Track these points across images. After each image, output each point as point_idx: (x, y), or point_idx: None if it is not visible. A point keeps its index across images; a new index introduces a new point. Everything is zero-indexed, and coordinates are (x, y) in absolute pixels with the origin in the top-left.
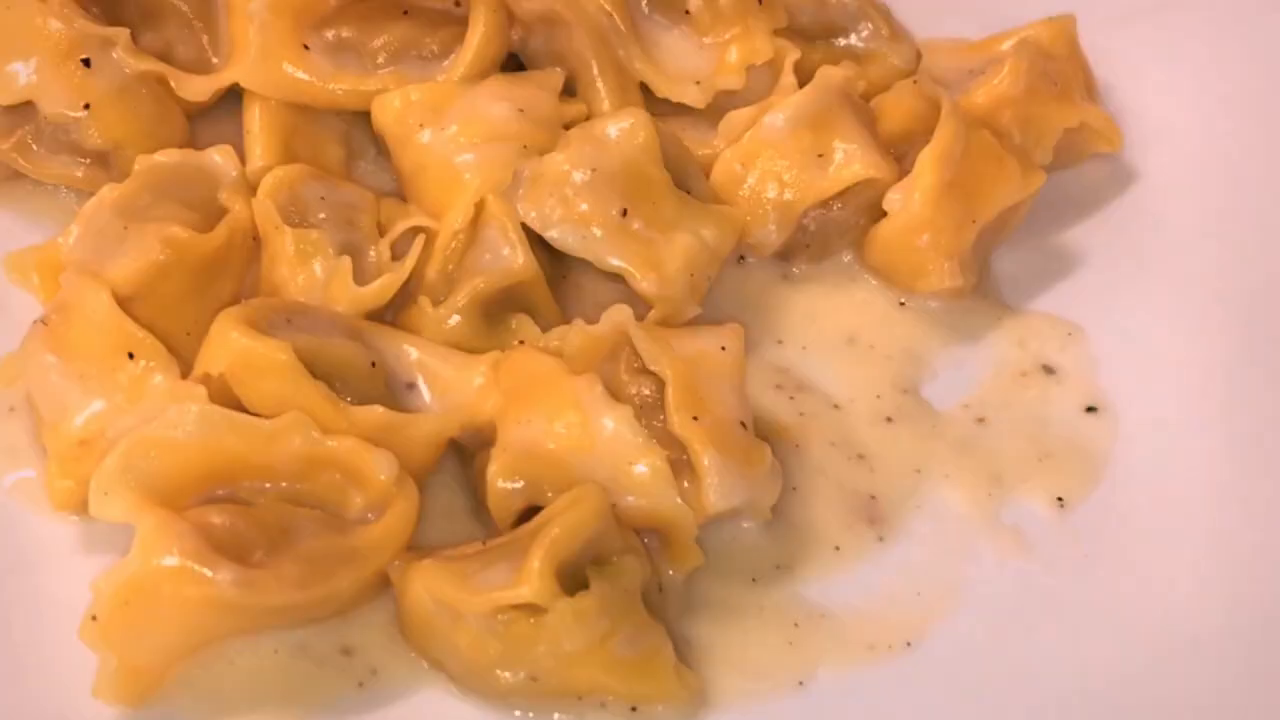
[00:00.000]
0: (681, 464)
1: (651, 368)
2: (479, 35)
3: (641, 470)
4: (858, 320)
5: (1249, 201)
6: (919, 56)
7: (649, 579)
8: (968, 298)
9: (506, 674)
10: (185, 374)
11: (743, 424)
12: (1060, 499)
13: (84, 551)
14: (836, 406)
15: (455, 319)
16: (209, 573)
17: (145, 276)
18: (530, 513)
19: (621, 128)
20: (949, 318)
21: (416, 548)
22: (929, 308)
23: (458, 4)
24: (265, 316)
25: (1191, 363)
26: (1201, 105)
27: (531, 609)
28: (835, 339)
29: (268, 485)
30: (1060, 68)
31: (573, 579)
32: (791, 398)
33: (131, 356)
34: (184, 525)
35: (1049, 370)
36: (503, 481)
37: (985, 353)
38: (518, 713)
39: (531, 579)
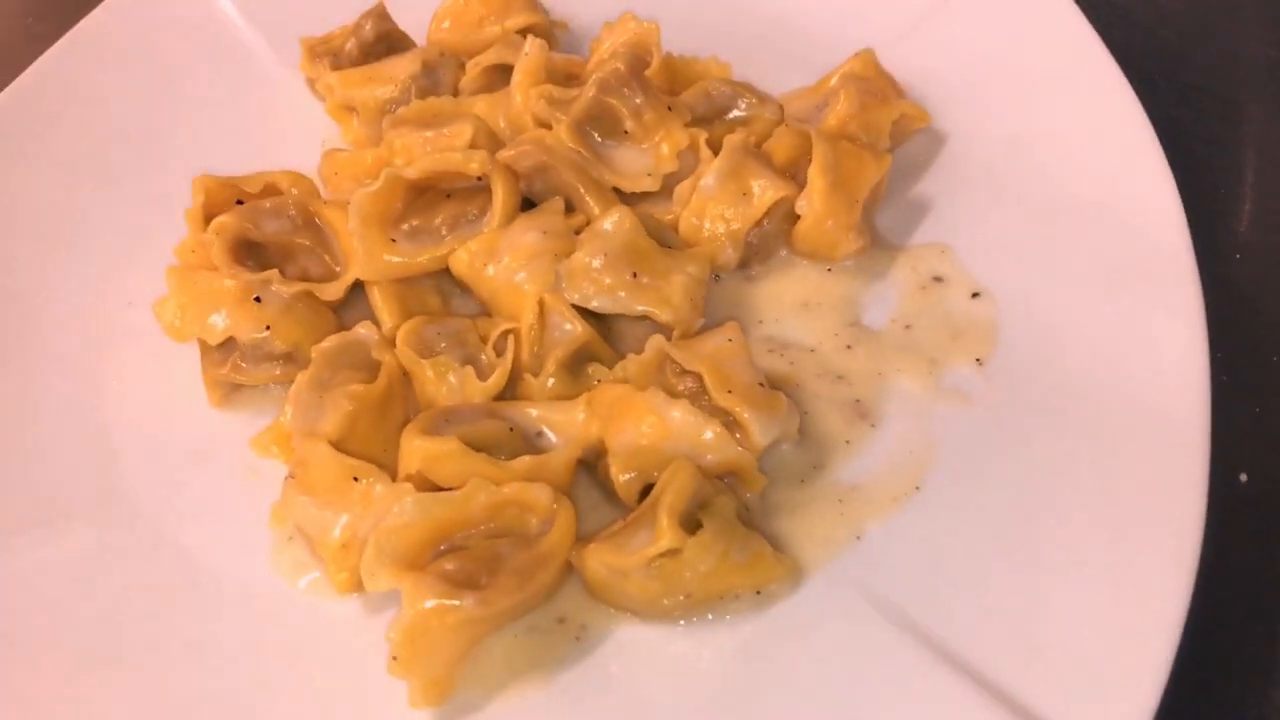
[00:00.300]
0: (730, 424)
1: (689, 368)
2: (501, 194)
3: (708, 437)
4: (804, 290)
5: (1019, 132)
6: (781, 109)
7: (737, 505)
8: (868, 252)
9: (668, 600)
10: (393, 477)
11: (760, 384)
12: (978, 360)
13: (368, 615)
14: (812, 350)
15: (551, 381)
16: (457, 602)
17: (345, 424)
18: (646, 490)
19: (613, 221)
20: (862, 268)
21: (581, 537)
22: (847, 267)
23: (480, 179)
24: (432, 423)
25: (1024, 244)
26: (967, 79)
27: (672, 553)
28: (794, 307)
29: (472, 531)
30: (873, 84)
31: (690, 523)
32: (781, 355)
33: (356, 479)
34: (430, 577)
35: (938, 279)
36: (622, 475)
37: (893, 282)
38: (682, 623)
39: (666, 534)
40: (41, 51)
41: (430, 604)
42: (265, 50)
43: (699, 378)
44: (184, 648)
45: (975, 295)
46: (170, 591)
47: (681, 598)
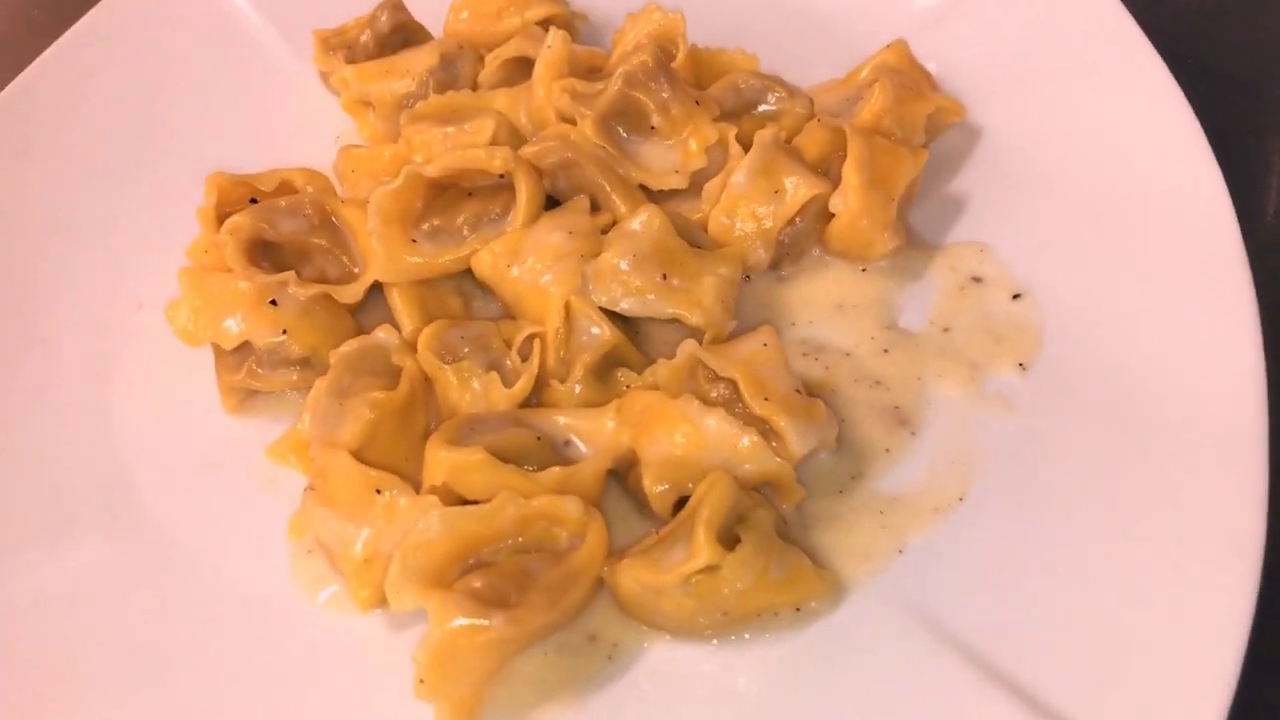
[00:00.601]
0: (766, 432)
1: (723, 375)
2: (525, 192)
3: (745, 445)
4: (838, 291)
5: (1059, 124)
6: (812, 102)
7: (775, 518)
8: (904, 251)
9: (704, 619)
10: (416, 488)
11: (798, 391)
12: (1021, 364)
13: (392, 632)
14: (848, 354)
15: (578, 388)
16: (486, 622)
17: (365, 432)
18: (680, 502)
19: (642, 220)
20: (897, 268)
21: (611, 551)
22: (881, 267)
23: (502, 176)
24: (457, 433)
25: (1066, 243)
26: (1001, 69)
27: (709, 569)
28: (828, 309)
29: (500, 545)
30: (907, 76)
31: (727, 538)
32: (816, 359)
33: (379, 491)
34: (458, 595)
35: (977, 280)
36: (656, 487)
37: (930, 283)
38: (715, 641)
39: (703, 550)
40: (46, 45)
41: (458, 623)
42: (277, 43)
43: (732, 384)
44: (198, 666)
45: (1016, 297)
46: (184, 607)
47: (719, 616)
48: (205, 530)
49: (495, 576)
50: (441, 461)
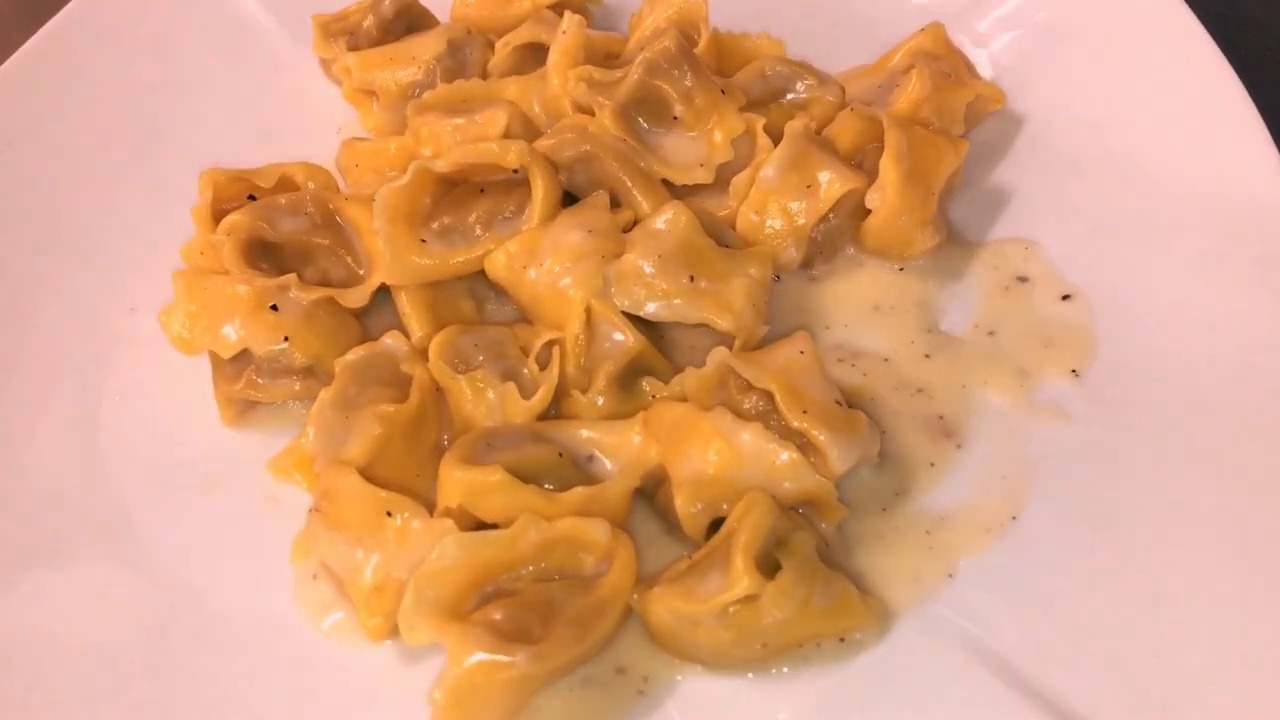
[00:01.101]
0: (805, 447)
1: (757, 385)
2: (541, 188)
3: (783, 462)
4: (874, 292)
5: (1106, 110)
6: (843, 90)
7: (817, 541)
8: (943, 248)
9: (741, 650)
10: (428, 506)
11: (837, 402)
12: (1074, 371)
13: (405, 663)
14: (886, 360)
15: (600, 399)
16: (509, 658)
17: (373, 448)
18: (715, 523)
19: (667, 218)
20: (937, 267)
21: (640, 577)
22: (919, 265)
23: (516, 171)
24: (473, 450)
25: (1117, 239)
26: (1042, 53)
27: (748, 599)
28: (865, 311)
29: (522, 572)
30: (945, 62)
31: (766, 563)
32: (852, 365)
33: (390, 514)
34: (477, 629)
35: (1023, 279)
36: (689, 508)
37: (972, 282)
38: (749, 676)
39: (742, 578)
40: (31, 33)
41: (478, 659)
42: (275, 30)
43: (767, 395)
44: (194, 696)
45: (1066, 297)
46: (180, 634)
47: (757, 647)
48: (202, 552)
49: (517, 607)
50: (457, 482)
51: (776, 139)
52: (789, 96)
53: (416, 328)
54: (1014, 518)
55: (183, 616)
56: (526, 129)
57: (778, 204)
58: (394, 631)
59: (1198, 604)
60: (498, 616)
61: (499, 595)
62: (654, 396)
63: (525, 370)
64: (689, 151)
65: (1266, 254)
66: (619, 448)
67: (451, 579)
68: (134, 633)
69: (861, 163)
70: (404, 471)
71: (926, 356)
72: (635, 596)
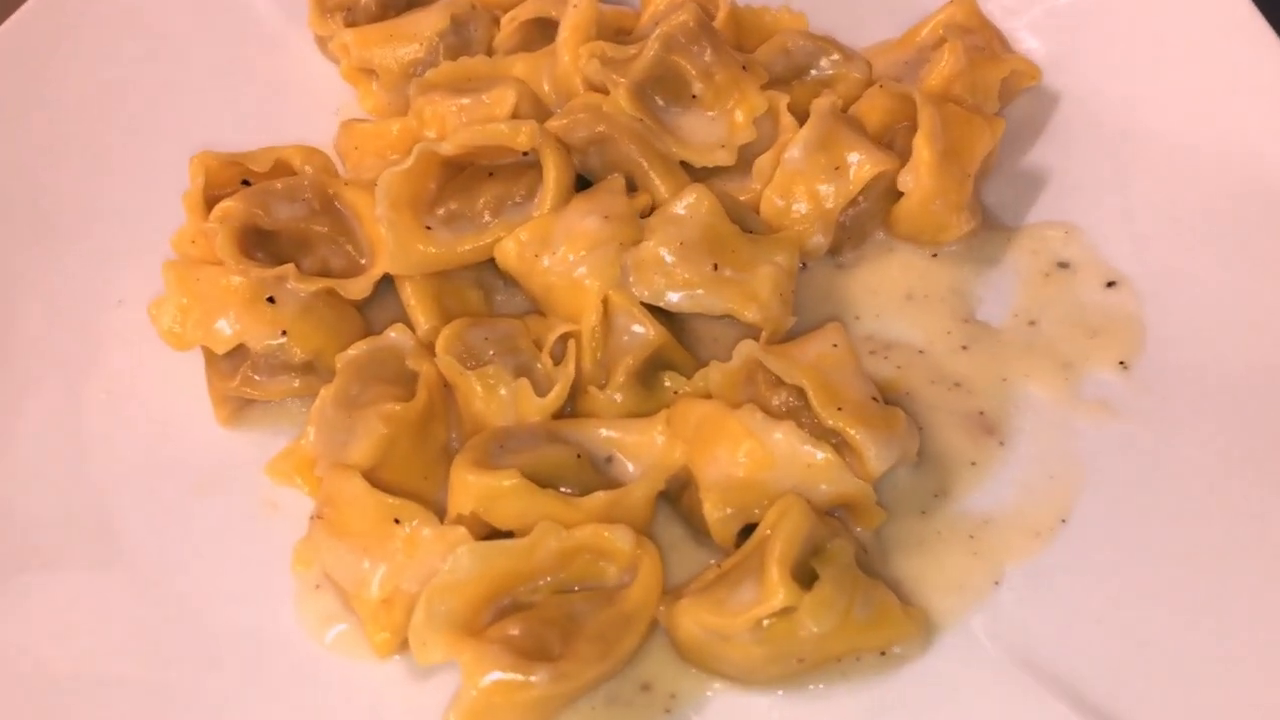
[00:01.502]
0: (840, 446)
1: (788, 381)
2: (553, 171)
3: (818, 461)
4: (906, 280)
5: (1149, 86)
6: (870, 66)
7: (855, 548)
8: (979, 233)
9: (776, 666)
10: (437, 511)
11: (874, 398)
12: (1122, 363)
13: (414, 678)
14: (921, 351)
15: (619, 395)
16: (527, 677)
17: (378, 449)
18: (746, 529)
19: (688, 203)
20: (972, 253)
21: (666, 587)
22: (953, 251)
23: (526, 154)
24: (485, 452)
25: (1164, 222)
26: (1078, 25)
27: (784, 611)
28: (897, 300)
29: (540, 583)
30: (978, 36)
31: (802, 573)
32: (885, 357)
33: (397, 521)
34: (494, 647)
35: (1064, 265)
36: (717, 513)
37: (1009, 269)
38: (780, 693)
39: (777, 590)
40: (13, 9)
41: (495, 678)
42: (269, 5)
43: (798, 391)
44: (189, 717)
45: (1111, 284)
46: (172, 649)
47: (793, 663)
48: (195, 561)
49: (535, 622)
50: (470, 487)
51: (800, 118)
52: (813, 73)
53: (422, 320)
54: (1063, 520)
55: (175, 629)
56: (536, 109)
57: (804, 187)
58: (403, 646)
59: (1262, 616)
60: (515, 632)
61: (516, 609)
62: (676, 393)
63: (539, 365)
64: (709, 132)
65: None
66: (641, 448)
67: (465, 592)
68: (123, 648)
69: (891, 143)
70: (411, 474)
71: (964, 348)
72: (661, 609)
